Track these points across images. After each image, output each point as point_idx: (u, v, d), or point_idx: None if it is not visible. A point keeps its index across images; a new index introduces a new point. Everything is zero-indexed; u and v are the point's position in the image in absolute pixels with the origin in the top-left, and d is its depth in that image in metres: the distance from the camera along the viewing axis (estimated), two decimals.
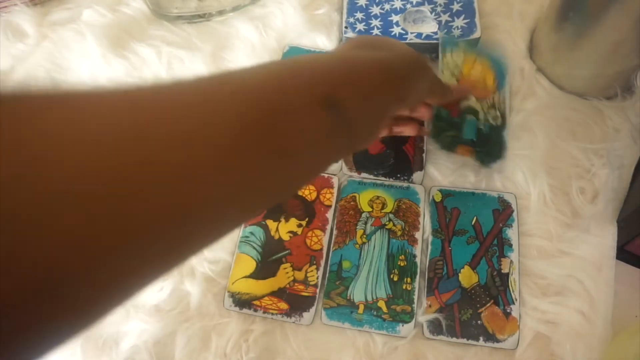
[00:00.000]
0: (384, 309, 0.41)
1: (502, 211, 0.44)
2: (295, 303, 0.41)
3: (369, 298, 0.41)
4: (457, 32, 0.49)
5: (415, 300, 0.41)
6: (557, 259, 0.42)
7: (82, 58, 0.53)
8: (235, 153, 0.18)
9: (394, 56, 0.29)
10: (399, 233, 0.43)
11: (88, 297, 0.14)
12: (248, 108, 0.19)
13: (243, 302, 0.42)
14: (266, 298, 0.41)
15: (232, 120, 0.18)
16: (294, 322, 0.41)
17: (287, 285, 0.42)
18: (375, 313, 0.40)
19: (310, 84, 0.22)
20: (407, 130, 0.43)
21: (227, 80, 0.20)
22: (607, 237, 0.42)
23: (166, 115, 0.17)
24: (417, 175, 0.46)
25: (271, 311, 0.41)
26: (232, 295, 0.42)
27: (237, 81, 0.21)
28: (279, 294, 0.42)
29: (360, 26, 0.51)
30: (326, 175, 0.47)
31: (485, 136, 0.44)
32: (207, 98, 0.19)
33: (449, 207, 0.44)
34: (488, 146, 0.44)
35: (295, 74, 0.23)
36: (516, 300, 0.40)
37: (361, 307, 0.41)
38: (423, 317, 0.40)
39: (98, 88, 0.16)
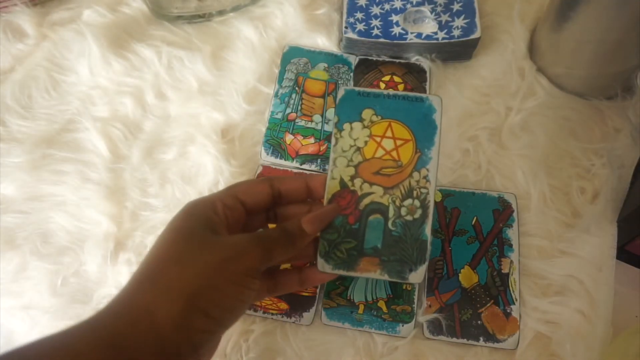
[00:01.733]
0: (384, 309, 0.41)
1: (502, 211, 0.44)
2: (295, 303, 0.41)
3: (369, 298, 0.41)
4: (457, 32, 0.49)
5: (415, 301, 0.41)
6: (557, 259, 0.42)
7: (82, 58, 0.53)
8: None
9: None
10: None
11: None
12: None
13: None
14: (266, 298, 0.41)
15: None
16: (294, 322, 0.41)
17: None
18: (375, 313, 0.40)
19: None
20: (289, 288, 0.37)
21: None
22: (607, 237, 0.42)
23: None
24: None
25: (271, 311, 0.41)
26: None
27: None
28: None
29: (360, 26, 0.51)
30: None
31: (395, 239, 0.34)
32: None
33: (449, 207, 0.44)
34: (399, 252, 0.34)
35: None
36: (516, 300, 0.40)
37: (361, 307, 0.41)
38: (423, 317, 0.40)
39: None
